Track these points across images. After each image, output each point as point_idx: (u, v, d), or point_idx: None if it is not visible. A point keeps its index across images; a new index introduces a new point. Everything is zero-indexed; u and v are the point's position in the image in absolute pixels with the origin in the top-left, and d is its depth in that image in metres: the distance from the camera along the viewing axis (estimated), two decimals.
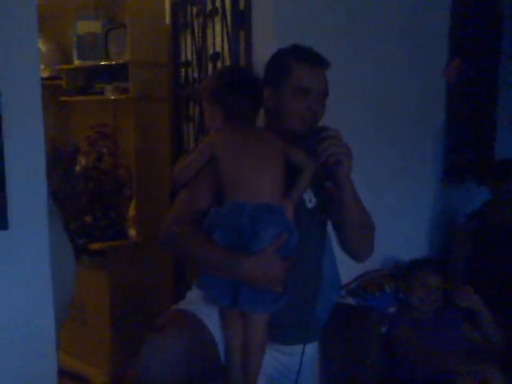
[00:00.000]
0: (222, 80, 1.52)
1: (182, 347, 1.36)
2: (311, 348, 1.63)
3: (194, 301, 1.55)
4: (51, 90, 3.04)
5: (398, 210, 2.48)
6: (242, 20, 2.06)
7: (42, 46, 2.99)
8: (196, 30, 2.37)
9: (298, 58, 1.51)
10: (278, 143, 1.45)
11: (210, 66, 2.28)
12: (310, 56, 1.52)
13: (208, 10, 2.24)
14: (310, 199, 1.56)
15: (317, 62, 1.51)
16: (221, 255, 1.38)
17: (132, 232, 2.90)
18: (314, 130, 1.46)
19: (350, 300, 2.16)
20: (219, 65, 2.22)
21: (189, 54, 2.46)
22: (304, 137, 1.48)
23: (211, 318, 1.49)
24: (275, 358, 1.57)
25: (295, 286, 1.47)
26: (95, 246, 2.74)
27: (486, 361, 1.98)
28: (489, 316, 2.15)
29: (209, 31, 2.27)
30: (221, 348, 1.49)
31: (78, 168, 2.94)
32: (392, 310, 2.26)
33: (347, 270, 1.98)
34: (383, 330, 2.08)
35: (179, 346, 1.36)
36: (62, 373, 2.63)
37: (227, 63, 2.16)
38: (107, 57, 2.86)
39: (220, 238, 1.38)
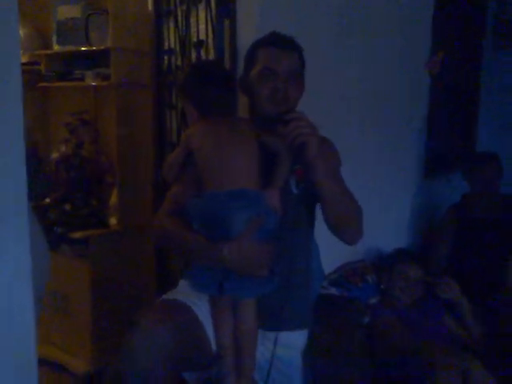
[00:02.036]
0: (189, 75, 1.57)
1: (170, 336, 1.35)
2: (301, 336, 1.64)
3: (183, 290, 1.56)
4: (30, 76, 2.97)
5: (381, 201, 2.50)
6: (226, 8, 2.03)
7: (21, 31, 2.92)
8: (179, 18, 2.33)
9: (263, 42, 1.55)
10: (251, 131, 1.47)
11: (194, 54, 2.25)
12: (274, 39, 1.54)
13: None
14: (296, 184, 1.56)
15: (280, 43, 1.52)
16: (200, 244, 1.40)
17: (113, 220, 2.87)
18: (281, 115, 1.45)
19: (333, 290, 2.17)
20: (203, 53, 2.20)
21: (172, 42, 2.42)
22: (276, 121, 1.47)
23: (200, 307, 1.50)
24: (264, 346, 1.57)
25: (282, 270, 1.47)
26: (76, 235, 2.70)
27: (467, 352, 2.01)
28: (469, 307, 2.18)
29: (192, 19, 2.24)
30: (211, 336, 1.49)
31: (56, 155, 2.89)
32: (374, 300, 2.28)
33: (329, 260, 1.99)
34: (365, 320, 2.10)
35: (167, 334, 1.35)
36: (44, 363, 2.61)
37: (211, 51, 2.14)
38: (88, 42, 2.81)
39: (198, 227, 1.41)
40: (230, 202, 1.37)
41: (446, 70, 2.78)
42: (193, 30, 2.24)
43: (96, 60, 2.87)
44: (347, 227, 1.57)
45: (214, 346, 1.50)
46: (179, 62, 2.37)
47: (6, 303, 1.03)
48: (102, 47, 2.73)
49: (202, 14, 2.17)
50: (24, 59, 2.97)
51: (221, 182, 1.41)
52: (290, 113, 1.43)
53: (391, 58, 2.51)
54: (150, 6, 2.64)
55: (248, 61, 1.57)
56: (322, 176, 1.43)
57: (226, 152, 1.43)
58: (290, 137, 1.38)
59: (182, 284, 1.62)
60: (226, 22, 2.05)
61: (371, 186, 2.43)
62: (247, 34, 1.97)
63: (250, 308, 1.46)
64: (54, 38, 2.90)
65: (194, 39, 2.23)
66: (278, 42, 1.53)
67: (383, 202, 2.52)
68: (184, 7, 2.27)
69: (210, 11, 2.09)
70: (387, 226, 2.56)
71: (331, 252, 1.81)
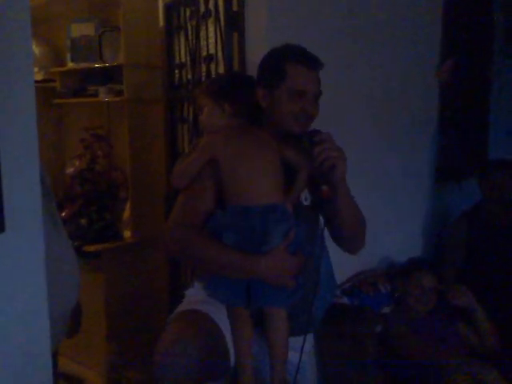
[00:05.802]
0: (232, 79, 1.64)
1: (200, 351, 1.36)
2: (310, 339, 1.64)
3: (199, 300, 1.55)
4: (45, 93, 3.04)
5: (393, 209, 2.50)
6: (235, 21, 2.06)
7: (36, 49, 2.99)
8: (189, 32, 2.37)
9: (293, 60, 1.51)
10: (273, 144, 1.47)
11: (204, 68, 2.28)
12: (305, 58, 1.52)
13: (201, 11, 2.25)
14: (306, 197, 1.58)
15: (312, 64, 1.52)
16: (235, 257, 1.38)
17: (127, 234, 2.90)
18: (307, 134, 1.47)
19: (345, 300, 2.17)
20: (213, 66, 2.23)
21: (182, 56, 2.47)
22: (297, 138, 1.49)
23: (220, 317, 1.50)
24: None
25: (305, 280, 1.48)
26: (90, 248, 2.73)
27: (481, 359, 1.99)
28: (483, 314, 2.16)
29: (202, 33, 2.28)
30: (230, 346, 1.49)
31: (71, 170, 2.94)
32: (387, 309, 2.27)
33: (342, 269, 1.99)
34: (378, 329, 2.09)
35: (198, 350, 1.36)
36: (60, 376, 2.63)
37: (221, 64, 2.17)
38: (101, 59, 2.86)
39: (230, 241, 1.39)
40: (267, 217, 1.38)
41: (456, 77, 2.79)
42: (203, 43, 2.28)
43: (109, 76, 2.92)
44: (356, 238, 1.62)
45: (232, 357, 1.49)
46: (190, 76, 2.41)
47: (21, 314, 1.06)
48: (115, 63, 2.78)
49: (211, 28, 2.21)
50: (39, 77, 3.03)
51: (250, 196, 1.40)
52: (318, 133, 1.45)
53: (402, 65, 2.52)
54: (161, 22, 2.69)
55: (273, 74, 1.52)
56: (346, 195, 1.50)
57: (256, 167, 1.43)
58: (320, 159, 1.41)
59: (192, 293, 1.62)
60: (235, 36, 2.08)
61: (383, 194, 2.43)
62: (256, 47, 2.00)
63: (280, 315, 1.45)
64: (68, 56, 2.97)
65: (204, 53, 2.27)
66: (309, 62, 1.52)
67: (395, 210, 2.52)
68: (194, 22, 2.32)
69: (219, 25, 2.13)
70: (399, 234, 2.56)
71: (344, 261, 1.82)
